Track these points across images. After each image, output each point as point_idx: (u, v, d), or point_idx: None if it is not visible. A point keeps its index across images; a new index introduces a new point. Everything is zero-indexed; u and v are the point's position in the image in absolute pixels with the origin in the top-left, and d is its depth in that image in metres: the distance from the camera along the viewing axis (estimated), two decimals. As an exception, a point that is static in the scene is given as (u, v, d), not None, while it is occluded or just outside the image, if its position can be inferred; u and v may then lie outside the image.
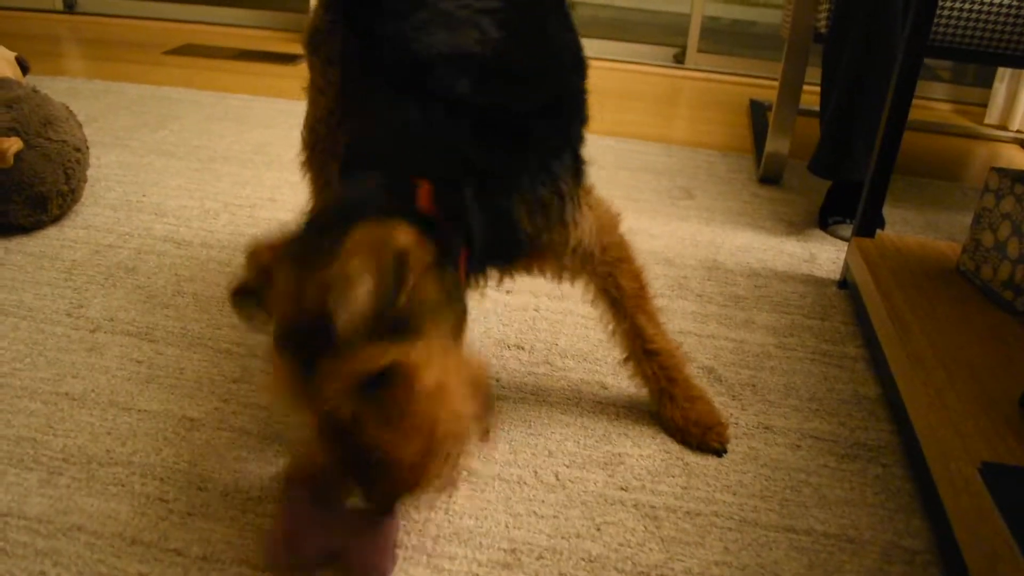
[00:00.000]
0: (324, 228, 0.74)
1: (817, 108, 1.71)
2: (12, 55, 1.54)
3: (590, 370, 1.16)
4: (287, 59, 2.96)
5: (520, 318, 1.28)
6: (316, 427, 0.71)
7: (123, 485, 0.92)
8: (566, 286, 1.34)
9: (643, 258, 1.43)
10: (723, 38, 3.36)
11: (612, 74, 2.97)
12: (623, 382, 1.14)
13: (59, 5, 3.53)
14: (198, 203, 1.63)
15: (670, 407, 1.05)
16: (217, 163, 1.85)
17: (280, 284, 0.72)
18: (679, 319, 1.30)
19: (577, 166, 0.97)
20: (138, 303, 1.27)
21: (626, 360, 1.07)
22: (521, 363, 1.17)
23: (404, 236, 0.70)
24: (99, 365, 1.11)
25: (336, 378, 0.67)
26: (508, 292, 1.34)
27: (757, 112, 2.50)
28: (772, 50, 3.15)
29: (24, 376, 1.09)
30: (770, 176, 1.91)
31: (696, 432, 1.03)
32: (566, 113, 0.96)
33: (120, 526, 0.86)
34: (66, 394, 1.05)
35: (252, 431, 1.00)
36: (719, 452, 1.03)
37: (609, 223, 1.05)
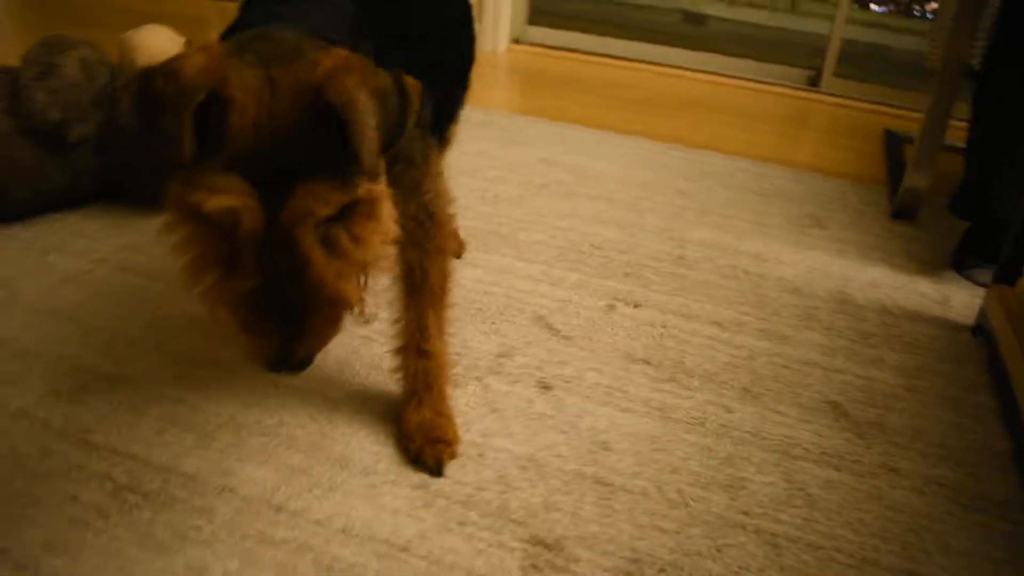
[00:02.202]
0: (279, 47, 0.69)
1: (960, 144, 1.67)
2: (180, 39, 1.64)
3: (716, 392, 1.17)
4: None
5: (648, 333, 1.29)
6: (260, 246, 0.66)
7: (270, 454, 0.98)
8: (695, 305, 1.36)
9: (771, 286, 1.45)
10: (858, 62, 3.28)
11: (742, 93, 2.94)
12: (748, 408, 1.14)
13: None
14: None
15: (413, 410, 1.01)
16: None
17: (245, 94, 0.65)
18: (806, 350, 1.30)
19: (437, 126, 0.99)
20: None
21: (398, 351, 1.03)
22: (647, 378, 1.18)
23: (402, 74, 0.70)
24: (250, 339, 1.18)
25: (309, 209, 0.65)
26: (637, 306, 1.36)
27: (892, 143, 2.44)
28: (908, 78, 3.06)
29: (185, 341, 1.16)
30: (905, 211, 1.87)
31: (420, 442, 0.99)
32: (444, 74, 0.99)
33: (267, 493, 0.92)
34: (217, 363, 1.13)
35: (389, 417, 1.05)
36: (432, 470, 0.97)
37: (446, 206, 1.02)
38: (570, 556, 0.88)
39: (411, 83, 0.71)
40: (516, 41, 3.26)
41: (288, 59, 0.67)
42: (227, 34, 0.81)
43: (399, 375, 1.03)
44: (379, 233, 0.72)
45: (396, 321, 1.02)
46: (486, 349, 1.21)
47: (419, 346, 1.01)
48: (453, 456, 1.00)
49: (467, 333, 1.24)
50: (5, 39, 2.96)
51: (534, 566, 0.87)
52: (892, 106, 2.89)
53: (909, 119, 2.73)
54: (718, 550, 0.91)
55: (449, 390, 1.05)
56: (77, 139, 1.43)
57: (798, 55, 3.31)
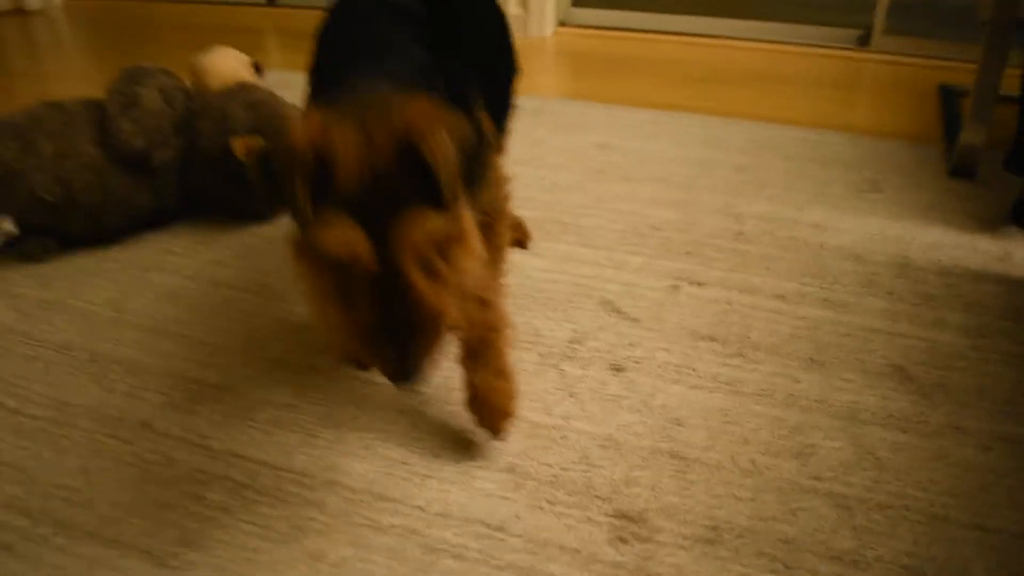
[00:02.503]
0: (368, 102, 0.78)
1: (1016, 94, 1.67)
2: (248, 59, 1.73)
3: (782, 364, 1.22)
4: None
5: (712, 310, 1.35)
6: (374, 282, 0.74)
7: (369, 448, 1.06)
8: (757, 280, 1.41)
9: (831, 254, 1.49)
10: (909, 15, 3.24)
11: (795, 58, 2.94)
12: (813, 377, 1.19)
13: (262, -1, 3.82)
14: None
15: (473, 371, 1.06)
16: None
17: (347, 149, 0.73)
18: (868, 316, 1.34)
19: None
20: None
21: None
22: (714, 354, 1.24)
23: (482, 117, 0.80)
24: (339, 342, 1.27)
25: (411, 239, 0.73)
26: (700, 284, 1.42)
27: (947, 98, 2.43)
28: (961, 28, 3.01)
29: (278, 347, 1.26)
30: (963, 169, 1.88)
31: (483, 412, 1.05)
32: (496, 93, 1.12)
33: (369, 483, 1.01)
34: (312, 367, 1.22)
35: (474, 407, 1.13)
36: (495, 436, 1.06)
37: (505, 199, 1.13)
38: (653, 527, 0.95)
39: (486, 122, 0.80)
40: (562, 24, 3.30)
41: (378, 110, 0.76)
42: (313, 83, 0.95)
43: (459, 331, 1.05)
44: (470, 258, 0.81)
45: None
46: (558, 336, 1.28)
47: (481, 298, 1.04)
48: (512, 419, 1.06)
49: (539, 321, 1.31)
50: (81, 58, 3.11)
51: (620, 538, 0.94)
52: (946, 59, 2.86)
53: (964, 71, 2.70)
54: (792, 514, 0.97)
55: (510, 349, 1.08)
56: (160, 163, 1.53)
57: (847, 12, 3.28)
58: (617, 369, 1.21)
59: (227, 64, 1.63)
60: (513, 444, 1.07)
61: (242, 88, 1.61)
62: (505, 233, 1.12)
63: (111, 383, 1.20)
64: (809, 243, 1.56)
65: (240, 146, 1.51)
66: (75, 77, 2.86)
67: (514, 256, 1.51)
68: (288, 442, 1.08)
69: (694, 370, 1.21)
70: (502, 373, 1.06)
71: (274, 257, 1.52)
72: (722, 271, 1.46)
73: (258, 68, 1.75)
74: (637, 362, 1.22)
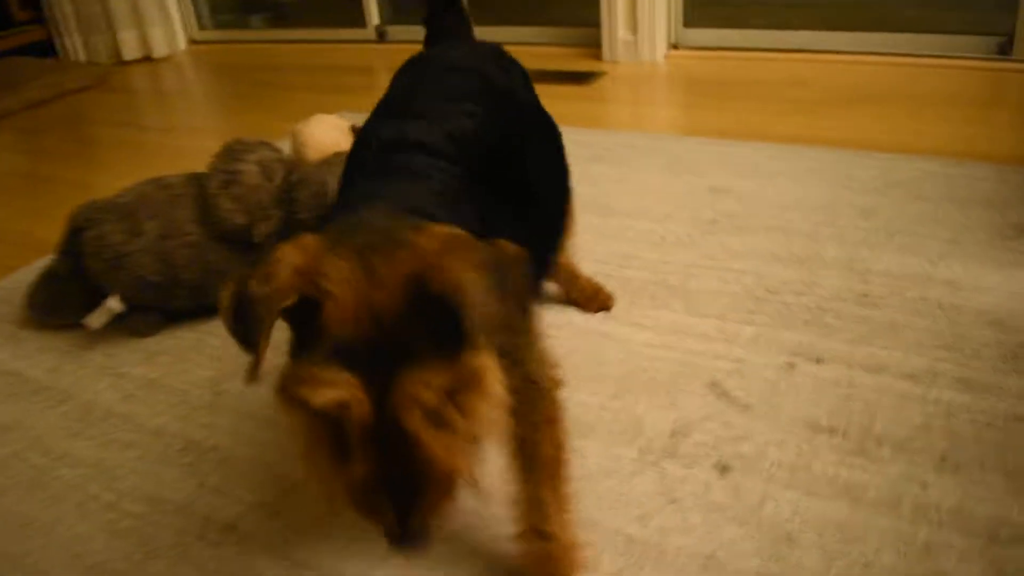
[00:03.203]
0: (370, 229, 0.71)
1: None
2: (348, 125, 1.72)
3: (910, 462, 1.10)
4: (579, 78, 2.99)
5: (832, 394, 1.23)
6: (371, 436, 0.65)
7: (455, 565, 1.01)
8: (883, 354, 1.28)
9: (970, 320, 1.34)
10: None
11: (927, 73, 2.73)
12: (947, 482, 1.06)
13: (372, 35, 3.86)
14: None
15: None
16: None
17: (342, 287, 0.65)
18: (1012, 401, 1.19)
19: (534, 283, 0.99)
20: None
21: (518, 535, 0.95)
22: (833, 451, 1.13)
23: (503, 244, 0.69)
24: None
25: (418, 394, 0.64)
26: (819, 361, 1.30)
27: (1109, 115, 2.18)
28: None
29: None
30: None
31: None
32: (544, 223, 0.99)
33: (454, 607, 0.95)
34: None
35: (566, 514, 1.06)
36: None
37: (550, 371, 0.93)
38: (758, 672, 0.86)
39: (515, 252, 0.70)
40: (674, 47, 3.18)
41: (384, 246, 0.67)
42: (334, 213, 0.85)
43: (522, 560, 0.97)
44: (488, 404, 0.70)
45: (514, 503, 0.95)
46: (660, 427, 1.19)
47: (538, 527, 0.94)
48: None
49: (640, 408, 1.23)
50: (207, 104, 3.22)
51: None
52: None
53: None
54: (921, 659, 0.86)
55: (578, 560, 0.96)
56: (262, 237, 1.53)
57: (984, 15, 3.00)
58: (723, 469, 1.11)
59: (325, 133, 1.62)
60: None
61: (340, 158, 1.59)
62: (555, 414, 0.93)
63: (203, 475, 1.20)
64: (943, 306, 1.41)
65: (335, 219, 1.49)
66: (201, 125, 2.96)
67: (617, 329, 1.43)
68: (373, 552, 1.04)
69: (809, 470, 1.10)
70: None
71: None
72: (844, 343, 1.34)
73: (357, 132, 1.74)
74: (745, 460, 1.12)
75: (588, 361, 1.35)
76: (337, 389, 0.63)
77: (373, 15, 3.82)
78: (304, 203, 1.54)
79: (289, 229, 1.57)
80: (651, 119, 2.51)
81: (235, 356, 1.47)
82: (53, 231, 1.65)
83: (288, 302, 0.65)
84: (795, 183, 1.92)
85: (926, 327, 1.36)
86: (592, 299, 1.49)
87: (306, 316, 0.66)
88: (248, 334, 0.67)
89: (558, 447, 0.93)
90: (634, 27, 3.03)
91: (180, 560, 1.06)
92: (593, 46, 3.18)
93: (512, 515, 0.95)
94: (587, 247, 1.70)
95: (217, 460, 1.23)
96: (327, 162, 1.58)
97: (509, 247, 0.70)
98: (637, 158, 2.15)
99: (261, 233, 1.53)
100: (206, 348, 1.50)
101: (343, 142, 1.66)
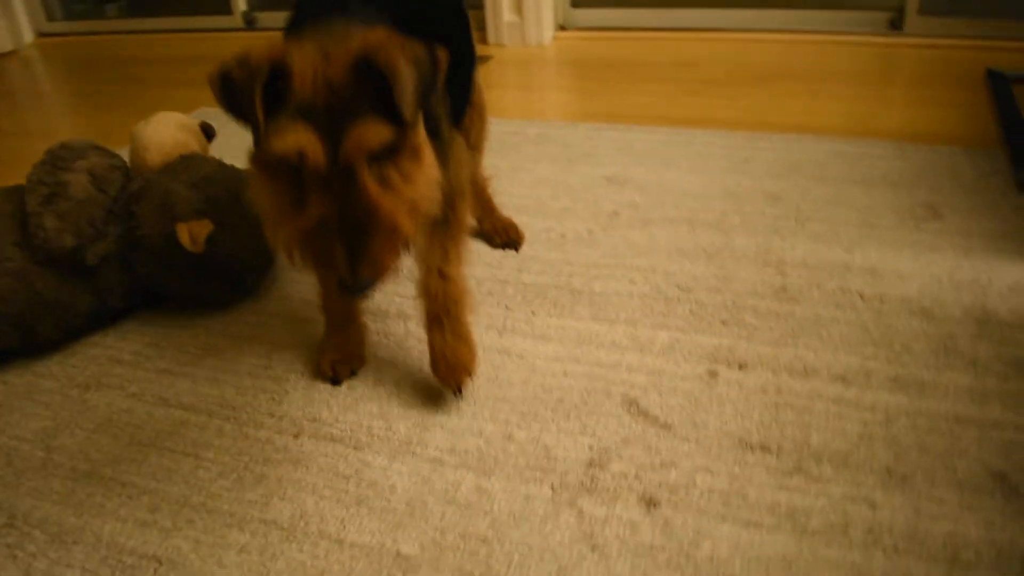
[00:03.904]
0: (329, 31, 0.87)
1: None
2: (196, 123, 1.50)
3: (853, 480, 0.98)
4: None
5: (760, 404, 1.10)
6: (325, 183, 0.81)
7: (340, 651, 0.83)
8: (810, 355, 1.17)
9: (895, 311, 1.24)
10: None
11: (819, 50, 2.67)
12: (896, 499, 0.95)
13: (239, 23, 3.59)
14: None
15: (436, 335, 1.14)
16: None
17: (304, 64, 0.82)
18: (951, 400, 1.09)
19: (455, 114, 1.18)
20: (339, 396, 1.19)
21: (421, 277, 1.14)
22: (769, 472, 1.00)
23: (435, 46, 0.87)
24: (306, 482, 1.04)
25: (362, 142, 0.81)
26: (742, 367, 1.17)
27: (998, 87, 2.15)
28: (1008, 2, 2.72)
29: (231, 498, 1.03)
30: (1033, 179, 1.62)
31: (443, 371, 1.13)
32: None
33: None
34: (274, 522, 0.99)
35: (472, 573, 0.90)
36: (454, 393, 1.15)
37: (466, 177, 1.19)
38: None
39: (440, 52, 0.87)
40: (562, 28, 3.04)
41: (339, 37, 0.84)
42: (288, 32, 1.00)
43: (421, 299, 1.15)
44: (424, 173, 0.89)
45: (419, 249, 1.13)
46: (575, 457, 1.04)
47: (441, 269, 1.13)
48: (471, 374, 1.15)
49: (549, 437, 1.08)
50: (61, 101, 2.90)
51: None
52: (992, 39, 2.57)
53: (1015, 51, 2.42)
54: None
55: (468, 314, 1.16)
56: (97, 260, 1.31)
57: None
58: (650, 503, 0.97)
59: (169, 134, 1.39)
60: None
61: (187, 161, 1.37)
62: (465, 204, 1.17)
63: (29, 559, 0.98)
64: (866, 297, 1.31)
65: (185, 233, 1.28)
66: (55, 126, 2.65)
67: (518, 343, 1.27)
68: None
69: (745, 498, 0.96)
70: (462, 337, 1.14)
71: (235, 358, 1.29)
72: (767, 345, 1.22)
73: (208, 131, 1.52)
74: (673, 491, 0.98)
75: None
76: (297, 135, 0.80)
77: (240, 1, 3.55)
78: (146, 217, 1.32)
79: (130, 249, 1.34)
80: (541, 105, 2.36)
81: (75, 400, 1.24)
82: None
83: (264, 74, 0.80)
84: (694, 169, 1.81)
85: (851, 321, 1.25)
86: (501, 232, 1.54)
87: (274, 96, 0.82)
88: (243, 108, 0.82)
89: (466, 211, 1.18)
90: (519, 8, 2.88)
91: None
92: (477, 29, 3.02)
93: (418, 260, 1.13)
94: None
95: (49, 537, 1.01)
96: (171, 168, 1.36)
97: (439, 49, 0.87)
98: (529, 147, 2.00)
99: (96, 255, 1.30)
100: (39, 392, 1.27)
101: (191, 143, 1.43)
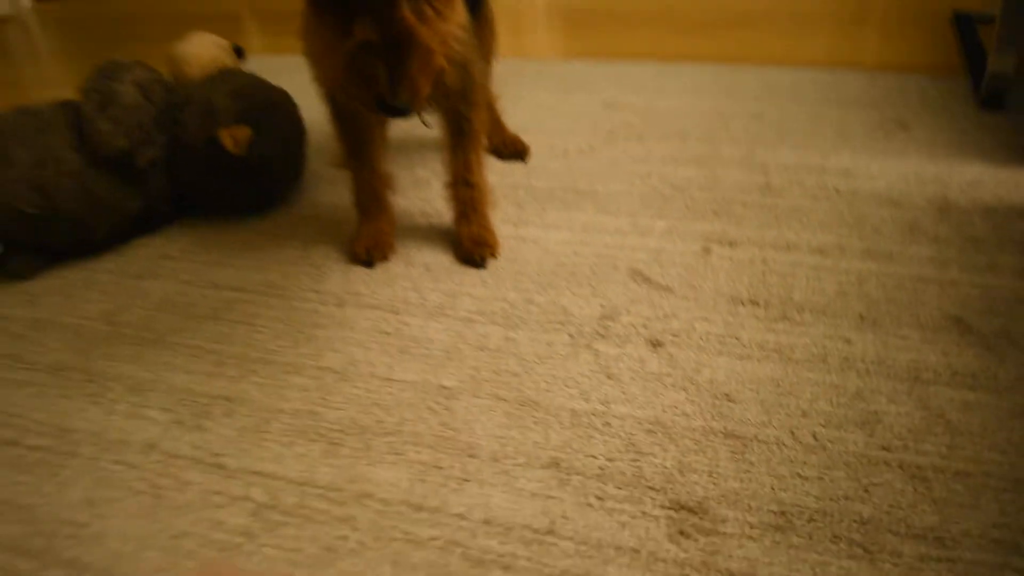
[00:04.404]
0: None
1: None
2: (227, 43, 1.62)
3: (831, 324, 1.13)
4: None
5: (749, 272, 1.26)
6: (369, 12, 0.94)
7: (399, 454, 0.98)
8: (791, 235, 1.32)
9: (866, 202, 1.39)
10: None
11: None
12: (867, 337, 1.10)
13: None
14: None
15: (463, 226, 1.35)
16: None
17: None
18: (916, 265, 1.24)
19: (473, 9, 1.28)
20: (375, 275, 1.33)
21: (449, 183, 1.35)
22: (758, 320, 1.15)
23: None
24: (352, 339, 1.18)
25: None
26: (732, 245, 1.32)
27: (964, 26, 2.31)
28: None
29: (287, 353, 1.17)
30: (993, 99, 1.77)
31: (468, 246, 1.32)
32: None
33: (403, 493, 0.92)
34: (328, 368, 1.13)
35: (506, 397, 1.04)
36: (478, 264, 1.31)
37: (484, 77, 1.38)
38: (716, 517, 0.87)
39: None
40: (550, -21, 3.17)
41: None
42: None
43: (451, 202, 1.37)
44: (454, 12, 1.04)
45: (446, 162, 1.34)
46: (588, 313, 1.19)
47: (465, 178, 1.33)
48: (494, 255, 1.34)
49: (565, 299, 1.22)
50: (58, 63, 2.99)
51: (681, 532, 0.85)
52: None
53: (977, -3, 2.58)
54: (865, 491, 0.88)
55: (489, 210, 1.38)
56: (146, 163, 1.43)
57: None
58: (655, 344, 1.12)
59: (206, 50, 1.52)
60: (552, 436, 0.98)
61: (225, 74, 1.50)
62: (482, 101, 1.33)
63: (111, 404, 1.11)
64: (841, 191, 1.47)
65: (228, 137, 1.41)
66: (54, 83, 2.75)
67: (532, 232, 1.41)
68: (309, 454, 0.99)
69: (738, 339, 1.12)
70: (485, 226, 1.35)
71: (275, 251, 1.43)
72: (753, 228, 1.37)
73: (239, 51, 1.65)
74: (676, 335, 1.13)
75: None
76: None
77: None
78: (190, 125, 1.45)
79: (174, 154, 1.47)
80: (536, 47, 2.49)
81: (131, 287, 1.37)
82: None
83: None
84: (683, 96, 1.95)
85: (827, 210, 1.41)
86: (509, 145, 1.69)
87: None
88: None
89: (481, 125, 1.33)
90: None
91: (99, 485, 0.99)
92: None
93: (446, 170, 1.36)
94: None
95: (125, 387, 1.14)
96: (211, 79, 1.49)
97: None
98: (526, 82, 2.14)
99: (145, 158, 1.43)
100: (95, 284, 1.40)
101: (225, 59, 1.56)
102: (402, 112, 0.98)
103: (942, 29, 2.36)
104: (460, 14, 1.07)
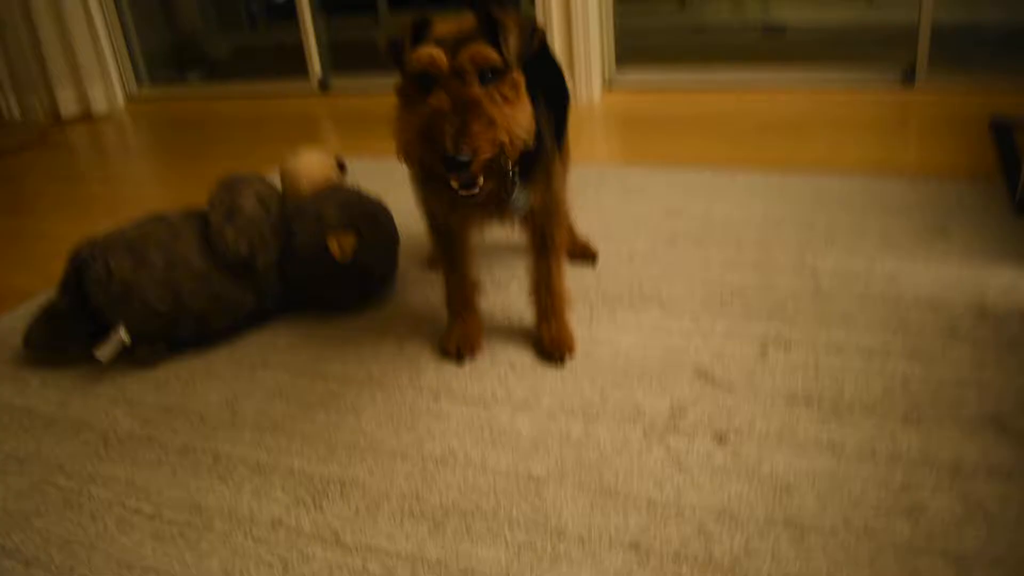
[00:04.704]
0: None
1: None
2: (332, 159, 1.83)
3: (878, 422, 1.26)
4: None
5: (802, 373, 1.39)
6: (444, 85, 1.16)
7: (496, 535, 1.12)
8: (841, 337, 1.45)
9: (910, 305, 1.53)
10: (953, 43, 3.27)
11: (842, 101, 2.99)
12: (912, 433, 1.23)
13: (315, 87, 3.97)
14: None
15: (545, 329, 1.51)
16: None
17: (441, 21, 1.21)
18: (955, 368, 1.37)
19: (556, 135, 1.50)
20: (465, 371, 1.49)
21: (532, 288, 1.53)
22: (812, 418, 1.28)
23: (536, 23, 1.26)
24: (448, 430, 1.34)
25: (474, 53, 1.16)
26: (787, 347, 1.46)
27: (1000, 131, 2.45)
28: (1011, 54, 3.03)
29: (392, 441, 1.33)
30: (1027, 205, 1.91)
31: (549, 346, 1.49)
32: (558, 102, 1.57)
33: (503, 570, 1.06)
34: (429, 456, 1.28)
35: (589, 485, 1.18)
36: (558, 360, 1.48)
37: (564, 199, 1.53)
38: (779, 597, 0.99)
39: (540, 28, 1.26)
40: (608, 86, 3.40)
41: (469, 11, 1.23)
42: None
43: (533, 306, 1.54)
44: (520, 100, 1.22)
45: (530, 269, 1.52)
46: (659, 409, 1.33)
47: (547, 285, 1.51)
48: (572, 354, 1.49)
49: (639, 396, 1.37)
50: (153, 160, 3.26)
51: (749, 609, 0.98)
52: (995, 89, 2.88)
53: (1016, 98, 2.73)
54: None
55: (568, 314, 1.55)
56: (263, 267, 1.62)
57: (890, 48, 3.32)
58: (720, 439, 1.25)
59: (316, 166, 1.73)
60: (631, 521, 1.12)
61: (333, 189, 1.70)
62: (562, 219, 1.52)
63: (238, 483, 1.28)
64: (886, 296, 1.60)
65: (335, 244, 1.60)
66: (151, 180, 3.01)
67: (604, 332, 1.57)
68: (417, 533, 1.14)
69: (795, 435, 1.25)
70: (564, 327, 1.52)
71: (373, 346, 1.60)
72: (806, 331, 1.51)
73: (342, 165, 1.85)
74: (738, 431, 1.27)
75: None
76: (429, 50, 1.16)
77: (315, 66, 3.94)
78: (301, 233, 1.65)
79: (286, 258, 1.66)
80: (599, 153, 2.69)
81: (247, 377, 1.55)
82: (23, 278, 1.70)
83: (411, 28, 1.21)
84: (739, 203, 2.12)
85: (873, 314, 1.55)
86: (580, 250, 1.88)
87: (418, 35, 1.21)
88: (398, 53, 1.21)
89: (562, 238, 1.50)
90: (571, 69, 3.23)
91: (234, 556, 1.14)
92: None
93: (529, 277, 1.53)
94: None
95: (249, 469, 1.31)
96: (322, 194, 1.69)
97: (537, 24, 1.26)
98: (592, 186, 2.32)
99: (263, 262, 1.62)
100: (215, 372, 1.58)
101: (330, 173, 1.77)
102: (463, 166, 1.12)
103: (981, 133, 2.51)
104: (524, 102, 1.23)
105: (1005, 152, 2.27)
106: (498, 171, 1.25)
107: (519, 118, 1.21)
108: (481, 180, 1.21)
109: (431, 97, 1.15)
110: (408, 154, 1.21)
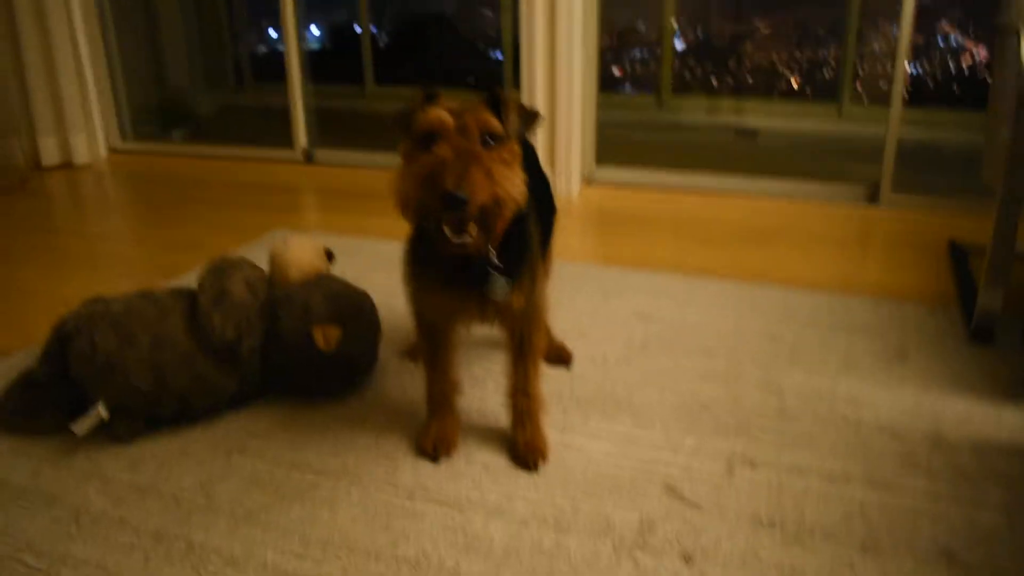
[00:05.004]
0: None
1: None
2: (321, 248, 1.88)
3: (837, 550, 1.31)
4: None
5: (767, 493, 1.44)
6: (448, 140, 1.25)
7: (467, 646, 1.14)
8: (804, 460, 1.51)
9: (870, 431, 1.59)
10: (915, 164, 3.43)
11: (808, 214, 3.12)
12: (869, 562, 1.28)
13: (299, 157, 4.04)
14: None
15: (519, 432, 1.56)
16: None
17: (448, 95, 1.33)
18: (911, 497, 1.43)
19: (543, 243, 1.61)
20: (440, 470, 1.53)
21: (509, 392, 1.57)
22: (775, 541, 1.33)
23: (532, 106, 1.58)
24: (423, 532, 1.37)
25: (479, 117, 1.28)
26: (753, 466, 1.52)
27: (957, 257, 2.58)
28: (970, 179, 3.19)
29: (367, 539, 1.35)
30: (982, 333, 2.00)
31: (523, 451, 1.53)
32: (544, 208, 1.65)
33: None
34: (404, 558, 1.31)
35: (558, 600, 1.22)
36: (531, 467, 1.52)
37: (544, 305, 1.57)
38: None
39: (536, 111, 1.38)
40: (587, 182, 3.50)
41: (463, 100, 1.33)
42: None
43: (509, 409, 1.58)
44: (516, 167, 1.31)
45: (508, 373, 1.57)
46: (629, 523, 1.37)
47: (524, 389, 1.56)
48: (545, 460, 1.53)
49: (608, 508, 1.41)
50: (129, 213, 3.28)
51: None
52: (955, 213, 3.03)
53: (975, 223, 2.87)
54: None
55: (543, 417, 1.59)
56: (247, 351, 1.65)
57: (857, 158, 3.48)
58: (687, 559, 1.30)
59: (305, 255, 1.77)
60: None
61: (321, 279, 1.75)
62: (542, 325, 1.56)
63: (212, 575, 1.29)
64: (848, 419, 1.67)
65: (320, 335, 1.63)
66: (126, 236, 3.03)
67: (577, 439, 1.62)
68: None
69: (759, 559, 1.30)
70: (538, 432, 1.56)
71: (349, 437, 1.63)
72: (771, 451, 1.57)
73: (330, 255, 1.90)
74: (704, 551, 1.31)
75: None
76: (437, 112, 1.27)
77: (301, 138, 4.01)
78: (287, 320, 1.68)
79: (270, 344, 1.70)
80: (577, 250, 2.77)
81: (223, 461, 1.56)
82: None
83: (421, 98, 1.33)
84: (708, 311, 2.19)
85: (835, 437, 1.61)
86: (556, 352, 1.93)
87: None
88: (407, 119, 1.31)
89: (540, 343, 1.55)
90: (551, 164, 3.33)
91: (205, 652, 1.15)
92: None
93: (507, 380, 1.58)
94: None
95: (223, 560, 1.32)
96: (310, 283, 1.73)
97: (533, 108, 1.42)
98: (569, 284, 2.39)
99: (247, 347, 1.65)
100: (191, 453, 1.59)
101: (319, 263, 1.81)
102: (461, 204, 1.19)
103: (940, 254, 2.63)
104: (520, 174, 1.31)
105: (962, 279, 2.39)
106: (486, 229, 1.29)
107: (515, 180, 1.28)
108: (473, 231, 1.26)
109: (435, 147, 1.24)
110: (406, 202, 1.27)
